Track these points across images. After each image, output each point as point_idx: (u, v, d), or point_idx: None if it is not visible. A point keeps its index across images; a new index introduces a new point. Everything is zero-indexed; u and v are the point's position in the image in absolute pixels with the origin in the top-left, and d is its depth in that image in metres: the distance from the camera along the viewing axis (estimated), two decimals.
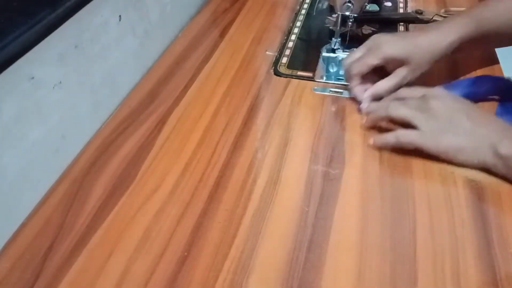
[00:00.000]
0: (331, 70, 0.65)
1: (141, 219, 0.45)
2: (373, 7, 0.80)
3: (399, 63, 0.55)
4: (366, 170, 0.49)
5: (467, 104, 0.51)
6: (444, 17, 0.75)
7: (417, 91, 0.53)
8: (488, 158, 0.47)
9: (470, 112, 0.49)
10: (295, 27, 0.77)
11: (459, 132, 0.48)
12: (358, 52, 0.57)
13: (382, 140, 0.52)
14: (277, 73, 0.65)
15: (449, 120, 0.49)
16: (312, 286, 0.39)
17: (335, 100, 0.60)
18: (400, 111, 0.51)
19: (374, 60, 0.55)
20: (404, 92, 0.55)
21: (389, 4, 0.82)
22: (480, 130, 0.48)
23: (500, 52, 0.66)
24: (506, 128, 0.48)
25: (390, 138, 0.51)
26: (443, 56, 0.55)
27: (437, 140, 0.49)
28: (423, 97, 0.51)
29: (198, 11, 0.84)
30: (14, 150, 0.44)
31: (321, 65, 0.67)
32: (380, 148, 0.51)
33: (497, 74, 0.62)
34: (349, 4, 0.62)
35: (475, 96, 0.56)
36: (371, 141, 0.53)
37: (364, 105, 0.56)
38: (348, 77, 0.58)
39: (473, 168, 0.49)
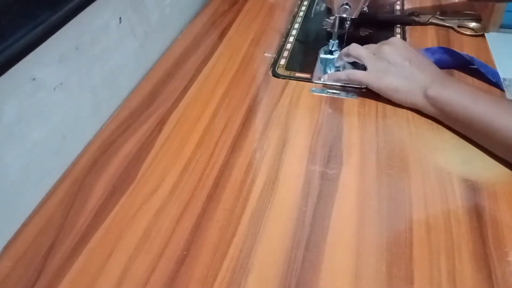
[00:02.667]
0: (329, 72, 0.66)
1: (141, 219, 0.45)
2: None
3: None
4: (363, 170, 0.49)
5: (414, 52, 0.58)
6: (441, 19, 0.76)
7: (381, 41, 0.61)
8: (419, 99, 0.55)
9: (414, 59, 0.56)
10: (293, 29, 0.78)
11: (399, 74, 0.56)
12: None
13: (334, 77, 0.62)
14: (275, 75, 0.66)
15: (394, 63, 0.56)
16: (309, 284, 0.39)
17: (333, 101, 0.60)
18: (356, 51, 0.60)
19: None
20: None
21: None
22: (417, 74, 0.55)
23: (489, 37, 0.68)
24: (440, 74, 0.55)
25: (341, 75, 0.61)
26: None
27: (380, 79, 0.57)
28: (381, 43, 0.59)
29: (197, 13, 0.84)
30: (15, 151, 0.45)
31: (319, 66, 0.67)
32: (378, 149, 0.52)
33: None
34: (347, 6, 0.63)
35: (440, 63, 0.61)
36: (324, 77, 0.63)
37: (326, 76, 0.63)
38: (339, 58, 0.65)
39: (406, 107, 0.57)
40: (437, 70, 0.57)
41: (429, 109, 0.54)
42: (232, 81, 0.65)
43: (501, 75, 0.61)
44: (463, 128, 0.52)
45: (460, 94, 0.51)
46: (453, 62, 0.64)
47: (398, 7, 0.83)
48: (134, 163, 0.52)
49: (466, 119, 0.50)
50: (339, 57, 0.64)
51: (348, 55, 0.62)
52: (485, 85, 0.61)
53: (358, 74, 0.59)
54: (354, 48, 0.61)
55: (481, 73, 0.61)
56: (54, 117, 0.49)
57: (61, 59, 0.49)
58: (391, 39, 0.60)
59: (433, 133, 0.54)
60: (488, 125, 0.48)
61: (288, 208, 0.46)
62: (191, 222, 0.45)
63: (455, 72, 0.64)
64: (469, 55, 0.63)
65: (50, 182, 0.50)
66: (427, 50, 0.66)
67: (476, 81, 0.62)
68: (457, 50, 0.64)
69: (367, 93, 0.61)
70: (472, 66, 0.63)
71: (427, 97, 0.53)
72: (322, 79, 0.63)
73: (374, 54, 0.59)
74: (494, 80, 0.60)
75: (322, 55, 0.68)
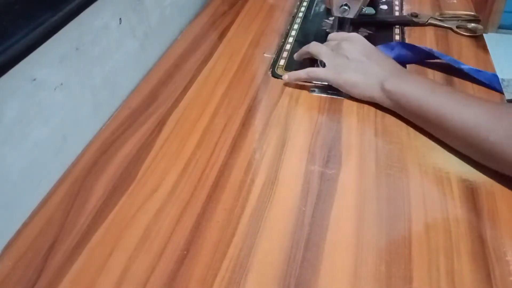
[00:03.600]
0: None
1: (141, 219, 0.45)
2: (369, 10, 0.80)
3: None
4: (362, 170, 0.50)
5: (373, 48, 0.59)
6: (439, 20, 0.76)
7: (341, 35, 0.63)
8: (376, 93, 0.56)
9: (372, 55, 0.58)
10: (293, 29, 0.78)
11: (358, 70, 0.57)
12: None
13: (295, 76, 0.62)
14: (275, 75, 0.66)
15: (352, 59, 0.58)
16: (309, 284, 0.39)
17: (332, 101, 0.60)
18: (316, 48, 0.62)
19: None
20: (331, 35, 0.65)
21: (385, 7, 0.83)
22: (375, 69, 0.56)
23: (488, 37, 0.68)
24: (397, 68, 0.57)
25: (301, 73, 0.61)
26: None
27: (339, 75, 0.58)
28: (341, 39, 0.60)
29: (197, 14, 0.84)
30: (16, 151, 0.45)
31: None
32: (377, 149, 0.52)
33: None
34: (346, 7, 0.63)
35: (400, 59, 0.63)
36: (285, 76, 0.62)
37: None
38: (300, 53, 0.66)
39: (363, 102, 0.58)
40: (395, 64, 0.58)
41: (386, 102, 0.55)
42: (232, 82, 0.65)
43: (500, 76, 0.61)
44: (419, 121, 0.53)
45: (416, 87, 0.52)
46: (414, 57, 0.65)
47: (397, 8, 0.83)
48: (134, 163, 0.52)
49: (421, 111, 0.51)
50: (298, 55, 0.66)
51: (307, 53, 0.64)
52: (482, 89, 0.61)
53: (317, 71, 0.60)
54: (314, 46, 0.62)
55: (478, 80, 0.61)
56: (54, 117, 0.50)
57: (61, 59, 0.49)
58: (350, 35, 0.61)
59: (431, 133, 0.54)
60: (442, 117, 0.49)
61: (287, 208, 0.46)
62: (191, 222, 0.45)
63: (455, 79, 0.63)
64: (428, 47, 0.65)
65: (50, 182, 0.50)
66: (386, 46, 0.66)
67: (476, 87, 0.62)
68: (417, 44, 0.66)
69: None
70: (435, 60, 0.65)
71: (383, 90, 0.55)
72: (283, 78, 0.63)
73: (332, 51, 0.60)
74: (456, 66, 0.62)
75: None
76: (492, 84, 0.60)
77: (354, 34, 0.61)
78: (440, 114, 0.49)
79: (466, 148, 0.49)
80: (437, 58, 0.64)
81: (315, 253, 0.41)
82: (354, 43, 0.59)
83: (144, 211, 0.46)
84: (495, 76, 0.61)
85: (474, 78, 0.61)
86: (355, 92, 0.58)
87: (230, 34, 0.77)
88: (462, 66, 0.62)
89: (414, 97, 0.52)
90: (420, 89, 0.52)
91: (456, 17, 0.77)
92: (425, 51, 0.64)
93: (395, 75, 0.55)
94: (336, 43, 0.61)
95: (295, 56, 0.66)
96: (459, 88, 0.61)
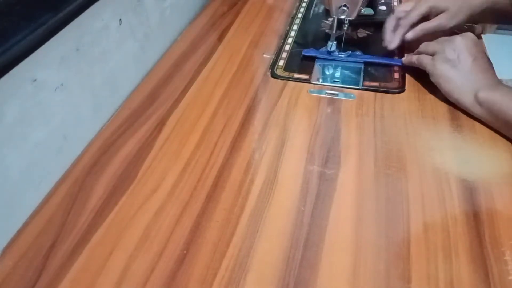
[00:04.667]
0: (327, 73, 0.66)
1: (141, 219, 0.45)
2: (368, 11, 0.81)
3: (440, 11, 0.64)
4: (361, 170, 0.50)
5: (482, 52, 0.58)
6: None
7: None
8: (467, 99, 0.55)
9: (478, 58, 0.57)
10: (292, 30, 0.78)
11: (458, 67, 0.56)
12: (409, 3, 0.64)
13: (408, 59, 0.64)
14: (274, 76, 0.66)
15: (458, 55, 0.57)
16: (308, 283, 0.39)
17: (331, 101, 0.61)
18: (431, 46, 0.61)
19: (422, 9, 0.64)
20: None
21: (384, 8, 0.83)
22: (475, 75, 0.56)
23: (486, 38, 0.68)
24: (495, 79, 0.56)
25: (414, 58, 0.62)
26: (476, 11, 0.63)
27: (437, 64, 0.58)
28: (456, 35, 0.59)
29: (197, 15, 0.85)
30: (17, 151, 0.45)
31: (317, 67, 0.68)
32: (376, 149, 0.52)
33: None
34: (345, 8, 0.63)
35: None
36: (403, 58, 0.65)
37: (410, 35, 0.65)
38: (396, 25, 0.67)
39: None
40: (494, 75, 0.57)
41: (476, 110, 0.55)
42: (231, 82, 0.65)
43: (498, 76, 0.61)
44: (510, 131, 0.52)
45: (509, 97, 0.52)
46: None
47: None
48: (134, 163, 0.52)
49: None
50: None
51: (419, 51, 0.64)
52: None
53: (424, 60, 0.60)
54: (426, 46, 0.62)
55: None
56: (55, 117, 0.50)
57: (62, 60, 0.50)
58: (466, 33, 0.60)
59: (430, 134, 0.54)
60: None
61: (286, 208, 0.46)
62: (191, 221, 0.45)
63: None
64: None
65: (51, 182, 0.50)
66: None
67: None
68: None
69: (365, 93, 0.61)
70: None
71: (476, 98, 0.54)
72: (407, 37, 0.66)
73: (445, 43, 0.59)
74: None
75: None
76: None
77: (469, 33, 0.60)
78: None
79: None
80: None
81: (314, 253, 0.42)
82: (467, 41, 0.58)
83: (144, 211, 0.46)
84: None
85: None
86: (445, 87, 0.57)
87: (229, 35, 0.77)
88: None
89: (508, 108, 0.51)
90: None
91: None
92: None
93: (492, 85, 0.54)
94: (451, 37, 0.59)
95: (405, 60, 0.65)
96: None
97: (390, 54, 0.68)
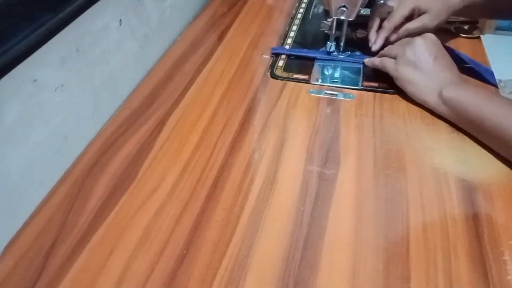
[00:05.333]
0: (326, 73, 0.66)
1: (141, 218, 0.46)
2: (367, 12, 0.81)
3: (422, 12, 0.64)
4: (360, 170, 0.50)
5: (442, 51, 0.59)
6: None
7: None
8: (432, 98, 0.56)
9: (439, 57, 0.57)
10: (291, 31, 0.78)
11: (420, 69, 0.57)
12: (394, 49, 0.63)
13: (371, 61, 0.65)
14: (273, 76, 0.66)
15: (418, 56, 0.57)
16: (307, 283, 0.39)
17: (330, 102, 0.61)
18: (393, 49, 0.62)
19: (404, 11, 0.64)
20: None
21: None
22: (438, 74, 0.56)
23: (485, 39, 0.68)
24: (458, 77, 0.57)
25: (376, 61, 0.63)
26: (457, 8, 0.63)
27: (400, 68, 0.58)
28: (416, 38, 0.60)
29: (197, 15, 0.85)
30: (17, 151, 0.45)
31: (316, 68, 0.68)
32: (376, 149, 0.52)
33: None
34: (344, 9, 0.63)
35: None
36: (365, 60, 0.66)
37: (394, 37, 0.66)
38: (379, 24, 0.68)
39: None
40: (457, 73, 0.57)
41: (441, 109, 0.55)
42: (231, 82, 0.65)
43: (497, 77, 0.61)
44: (474, 130, 0.52)
45: (473, 95, 0.52)
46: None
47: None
48: (134, 163, 0.52)
49: (478, 119, 0.50)
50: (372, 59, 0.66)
51: (383, 54, 0.64)
52: (480, 83, 0.62)
53: (386, 61, 0.61)
54: (389, 49, 0.63)
55: (477, 74, 0.62)
56: (55, 118, 0.50)
57: (62, 60, 0.50)
58: (426, 34, 0.61)
59: (429, 134, 0.54)
60: (498, 126, 0.48)
61: (286, 207, 0.46)
62: (191, 221, 0.45)
63: None
64: (463, 53, 0.64)
65: (51, 182, 0.50)
66: None
67: (472, 80, 0.62)
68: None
69: (365, 94, 0.61)
70: (466, 65, 0.64)
71: (441, 97, 0.54)
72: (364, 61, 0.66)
73: (405, 45, 0.60)
74: (490, 80, 0.61)
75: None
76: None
77: (430, 34, 0.61)
78: (497, 122, 0.48)
79: None
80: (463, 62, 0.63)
81: (313, 253, 0.42)
82: (426, 41, 0.58)
83: (144, 211, 0.46)
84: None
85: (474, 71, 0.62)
86: (409, 89, 0.58)
87: (229, 35, 0.77)
88: (488, 77, 0.62)
89: (472, 105, 0.51)
90: (478, 98, 0.51)
91: (453, 19, 0.77)
92: (459, 57, 0.63)
93: (454, 83, 0.55)
94: (411, 39, 0.60)
95: (368, 62, 0.66)
96: None
97: None
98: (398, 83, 0.59)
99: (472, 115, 0.51)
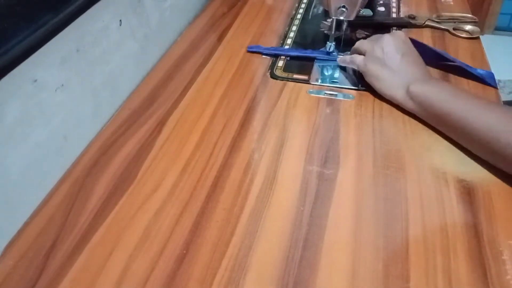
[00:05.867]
0: (326, 73, 0.67)
1: (141, 218, 0.46)
2: (367, 12, 0.81)
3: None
4: (360, 170, 0.50)
5: (410, 48, 0.59)
6: (437, 22, 0.77)
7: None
8: (400, 94, 0.56)
9: (406, 53, 0.58)
10: (291, 31, 0.78)
11: (387, 65, 0.57)
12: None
13: (342, 59, 0.65)
14: (273, 76, 0.66)
15: (386, 53, 0.58)
16: (307, 283, 0.39)
17: (330, 102, 0.61)
18: (361, 42, 0.63)
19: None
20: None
21: (382, 9, 0.83)
22: (404, 70, 0.56)
23: (485, 39, 0.68)
24: (424, 72, 0.57)
25: (347, 58, 0.64)
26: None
27: (368, 64, 0.59)
28: (385, 34, 0.60)
29: (197, 16, 0.85)
30: (17, 151, 0.45)
31: (316, 68, 0.68)
32: (375, 149, 0.53)
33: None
34: (344, 9, 0.63)
35: None
36: (338, 58, 0.67)
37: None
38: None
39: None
40: (424, 68, 0.58)
41: (408, 104, 0.55)
42: (231, 83, 0.65)
43: (496, 77, 0.61)
44: (441, 125, 0.53)
45: (439, 90, 0.53)
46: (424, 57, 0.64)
47: (394, 10, 0.83)
48: (134, 163, 0.52)
49: (444, 114, 0.51)
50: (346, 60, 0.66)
51: (354, 50, 0.65)
52: (479, 86, 0.62)
53: (356, 58, 0.62)
54: (360, 43, 0.63)
55: (476, 77, 0.62)
56: (55, 118, 0.50)
57: (62, 61, 0.50)
58: (395, 31, 0.61)
59: (428, 134, 0.54)
60: (464, 120, 0.49)
61: (286, 207, 0.46)
62: (191, 221, 0.45)
63: (451, 76, 0.64)
64: (440, 49, 0.65)
65: (51, 182, 0.50)
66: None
67: (471, 83, 0.62)
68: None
69: (364, 94, 0.61)
70: (451, 63, 0.65)
71: (408, 92, 0.55)
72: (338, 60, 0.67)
73: (374, 41, 0.60)
74: (473, 72, 0.62)
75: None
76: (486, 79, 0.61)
77: (399, 31, 0.62)
78: (462, 117, 0.49)
79: (488, 153, 0.48)
80: (449, 60, 0.64)
81: (313, 253, 0.42)
82: (394, 38, 0.59)
83: (144, 211, 0.46)
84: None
85: (471, 74, 0.62)
86: (377, 86, 0.59)
87: (229, 35, 0.77)
88: (478, 72, 0.62)
89: (438, 100, 0.52)
90: (444, 93, 0.52)
91: (453, 19, 0.77)
92: (436, 53, 0.64)
93: (421, 79, 0.55)
94: (380, 35, 0.61)
95: (340, 60, 0.66)
96: (454, 84, 0.62)
97: None
98: (367, 79, 0.60)
99: (438, 110, 0.52)
